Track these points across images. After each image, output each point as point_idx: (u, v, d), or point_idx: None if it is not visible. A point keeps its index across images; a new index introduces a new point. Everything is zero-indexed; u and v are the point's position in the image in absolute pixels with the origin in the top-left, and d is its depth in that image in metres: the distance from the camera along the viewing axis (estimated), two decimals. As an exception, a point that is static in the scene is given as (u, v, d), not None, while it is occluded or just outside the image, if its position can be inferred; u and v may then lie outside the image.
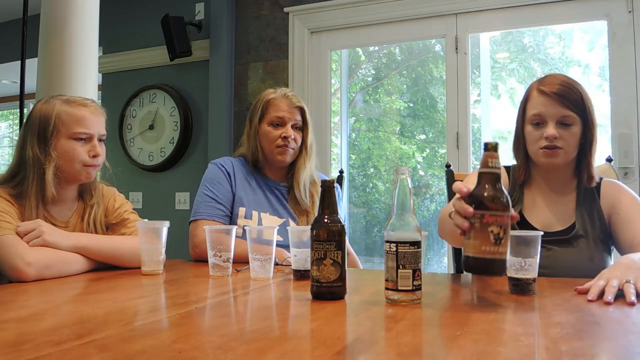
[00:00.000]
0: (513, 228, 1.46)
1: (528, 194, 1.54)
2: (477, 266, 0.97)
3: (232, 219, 1.79)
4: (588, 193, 1.49)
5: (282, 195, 1.87)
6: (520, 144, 1.51)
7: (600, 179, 1.52)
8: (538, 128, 1.44)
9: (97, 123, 1.50)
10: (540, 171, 1.52)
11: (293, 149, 1.82)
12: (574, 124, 1.42)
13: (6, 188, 1.44)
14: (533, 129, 1.45)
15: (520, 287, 1.11)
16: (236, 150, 1.96)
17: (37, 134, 1.45)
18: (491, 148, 1.00)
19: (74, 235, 1.45)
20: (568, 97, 1.41)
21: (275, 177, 1.88)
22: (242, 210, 1.79)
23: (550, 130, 1.41)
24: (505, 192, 0.99)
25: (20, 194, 1.44)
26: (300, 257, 1.31)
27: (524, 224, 1.49)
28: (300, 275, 1.32)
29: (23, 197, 1.43)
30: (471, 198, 0.99)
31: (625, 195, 1.47)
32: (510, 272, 1.13)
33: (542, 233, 1.14)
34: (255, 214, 1.80)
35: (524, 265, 1.11)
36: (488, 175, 0.99)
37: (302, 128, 1.85)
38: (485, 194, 0.97)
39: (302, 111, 1.84)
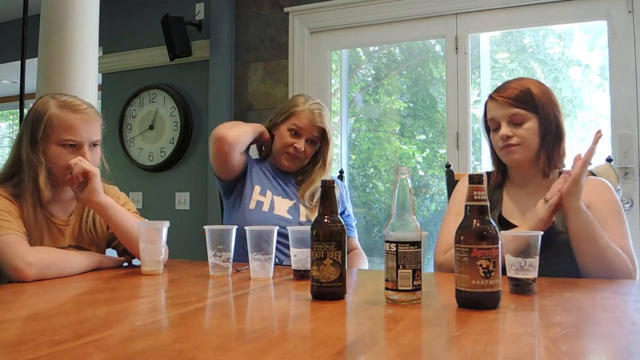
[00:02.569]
0: None
1: (507, 196, 1.58)
2: (468, 300, 0.97)
3: (246, 197, 1.86)
4: None
5: (293, 185, 1.95)
6: (491, 150, 1.60)
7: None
8: (496, 132, 1.52)
9: (87, 130, 1.48)
10: (513, 172, 1.58)
11: (300, 159, 1.91)
12: (526, 120, 1.48)
13: (6, 187, 1.45)
14: (494, 134, 1.54)
15: (521, 287, 1.11)
16: None
17: (30, 134, 1.45)
18: (476, 181, 1.00)
19: (107, 199, 1.49)
20: (514, 97, 1.48)
21: (284, 170, 1.96)
22: (257, 188, 1.88)
23: (503, 130, 1.49)
24: (493, 223, 0.99)
25: (19, 193, 1.44)
26: (300, 257, 1.31)
27: (506, 225, 1.51)
28: (300, 275, 1.32)
29: (21, 197, 1.43)
30: (459, 232, 0.99)
31: (603, 195, 1.47)
32: (510, 272, 1.13)
33: (541, 233, 1.14)
34: (269, 192, 1.88)
35: (524, 265, 1.11)
36: (474, 208, 0.99)
37: (322, 145, 1.92)
38: (472, 228, 0.97)
39: (322, 131, 1.90)
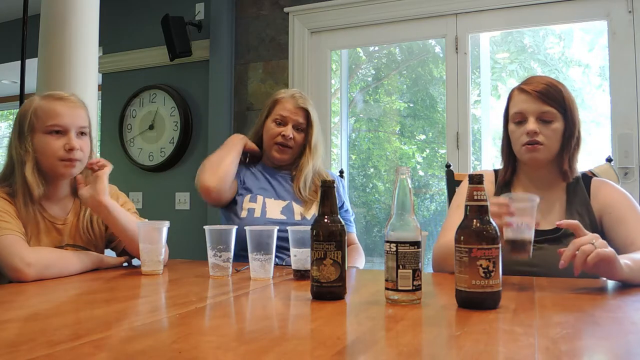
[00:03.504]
0: None
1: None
2: (468, 300, 0.97)
3: (237, 207, 1.84)
4: (578, 192, 1.50)
5: (285, 181, 1.92)
6: (505, 145, 1.56)
7: (590, 178, 1.52)
8: (520, 125, 1.48)
9: (72, 116, 1.47)
10: (526, 170, 1.54)
11: (291, 148, 1.89)
12: (555, 120, 1.45)
13: (4, 187, 1.45)
14: (515, 127, 1.49)
15: (517, 248, 1.13)
16: None
17: (18, 132, 1.46)
18: (476, 181, 1.00)
19: (111, 201, 1.50)
20: (547, 94, 1.44)
21: (275, 167, 1.95)
22: (247, 197, 1.86)
23: (531, 125, 1.44)
24: (493, 223, 0.98)
25: (13, 192, 1.44)
26: (300, 257, 1.31)
27: None
28: (300, 275, 1.32)
29: (15, 195, 1.43)
30: (459, 231, 0.99)
31: (617, 194, 1.47)
32: (507, 234, 1.14)
33: (538, 198, 1.16)
34: (260, 197, 1.86)
35: (520, 225, 1.12)
36: (474, 208, 0.99)
37: (307, 128, 1.90)
38: (472, 228, 0.97)
39: (306, 112, 1.90)
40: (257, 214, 1.81)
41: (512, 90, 1.53)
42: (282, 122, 1.88)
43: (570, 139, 1.46)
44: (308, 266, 1.16)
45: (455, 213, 1.56)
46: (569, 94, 1.48)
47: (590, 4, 2.76)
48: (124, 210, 1.54)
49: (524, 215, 1.13)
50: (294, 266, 1.34)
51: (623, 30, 2.68)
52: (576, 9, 2.78)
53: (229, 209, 1.87)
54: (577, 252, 1.10)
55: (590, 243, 1.11)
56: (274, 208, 1.84)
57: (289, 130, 1.87)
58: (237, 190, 1.88)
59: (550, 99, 1.44)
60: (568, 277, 1.33)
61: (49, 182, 1.48)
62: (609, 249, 1.12)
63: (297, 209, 1.85)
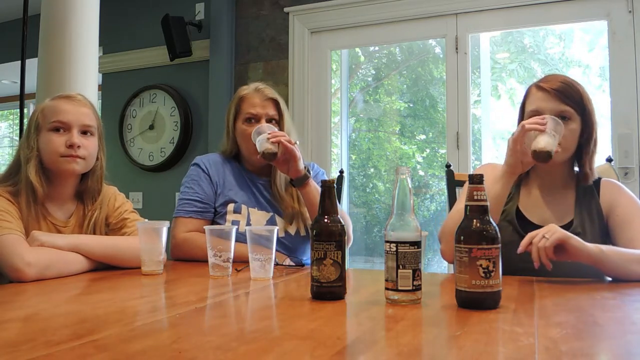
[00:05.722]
0: (512, 224, 1.47)
1: (525, 191, 1.54)
2: (468, 300, 0.97)
3: (221, 218, 1.77)
4: (587, 191, 1.49)
5: (265, 190, 1.82)
6: None
7: (599, 178, 1.52)
8: None
9: (76, 113, 1.48)
10: (537, 168, 1.53)
11: None
12: (572, 119, 1.43)
13: (6, 187, 1.45)
14: None
15: (542, 156, 1.32)
16: (219, 147, 1.93)
17: (27, 131, 1.50)
18: (476, 181, 1.00)
19: (73, 235, 1.46)
20: (566, 93, 1.42)
21: (256, 171, 1.84)
22: (230, 206, 1.77)
23: None
24: (493, 223, 0.98)
25: (17, 191, 1.44)
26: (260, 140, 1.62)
27: (522, 219, 1.49)
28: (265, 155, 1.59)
29: (19, 194, 1.43)
30: (459, 231, 0.99)
31: (624, 197, 1.47)
32: (539, 143, 1.32)
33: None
34: (244, 207, 1.77)
35: (551, 133, 1.33)
36: (474, 208, 0.99)
37: (278, 121, 1.80)
38: (472, 228, 0.97)
39: (275, 103, 1.79)
40: (242, 228, 1.68)
41: (530, 87, 1.50)
42: (253, 119, 1.76)
43: (588, 140, 1.44)
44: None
45: (462, 197, 1.54)
46: (587, 94, 1.46)
47: (590, 4, 2.76)
48: (99, 241, 1.49)
49: (555, 128, 1.33)
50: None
51: (623, 30, 2.68)
52: (576, 9, 2.78)
53: (216, 217, 1.79)
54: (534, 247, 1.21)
55: (542, 235, 1.20)
56: (259, 221, 1.75)
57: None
58: (217, 199, 1.79)
59: (569, 98, 1.42)
60: (572, 275, 1.33)
61: (53, 182, 1.48)
62: (560, 231, 1.21)
63: (280, 223, 1.76)
